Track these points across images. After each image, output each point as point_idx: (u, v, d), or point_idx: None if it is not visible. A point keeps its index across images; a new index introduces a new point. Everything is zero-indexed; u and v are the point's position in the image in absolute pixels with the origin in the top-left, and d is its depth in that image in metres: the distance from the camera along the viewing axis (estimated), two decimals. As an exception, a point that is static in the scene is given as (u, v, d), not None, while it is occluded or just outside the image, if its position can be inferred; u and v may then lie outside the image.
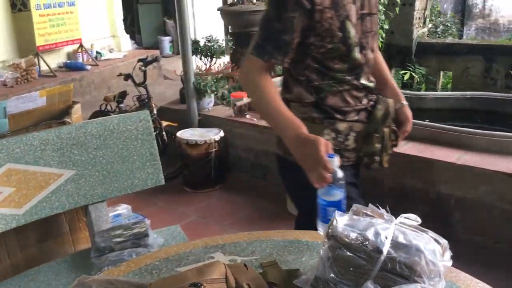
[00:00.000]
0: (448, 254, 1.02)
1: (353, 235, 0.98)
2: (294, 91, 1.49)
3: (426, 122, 3.17)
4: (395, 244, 0.96)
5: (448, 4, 8.88)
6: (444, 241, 1.02)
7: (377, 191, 2.97)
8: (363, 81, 1.49)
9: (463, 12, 9.44)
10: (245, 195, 3.44)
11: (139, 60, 3.72)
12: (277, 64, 1.41)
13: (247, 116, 3.60)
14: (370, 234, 0.97)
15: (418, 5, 4.31)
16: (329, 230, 1.01)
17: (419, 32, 4.39)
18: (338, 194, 1.22)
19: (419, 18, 4.38)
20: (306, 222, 1.39)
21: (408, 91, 4.11)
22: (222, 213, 3.23)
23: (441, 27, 5.53)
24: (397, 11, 4.03)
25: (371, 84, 1.53)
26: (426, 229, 1.05)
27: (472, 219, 2.63)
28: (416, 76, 4.28)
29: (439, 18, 5.67)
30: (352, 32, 1.40)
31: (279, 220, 3.06)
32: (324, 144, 1.25)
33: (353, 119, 1.50)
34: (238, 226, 3.02)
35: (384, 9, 4.06)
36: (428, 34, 4.93)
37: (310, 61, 1.43)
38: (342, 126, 1.49)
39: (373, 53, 1.53)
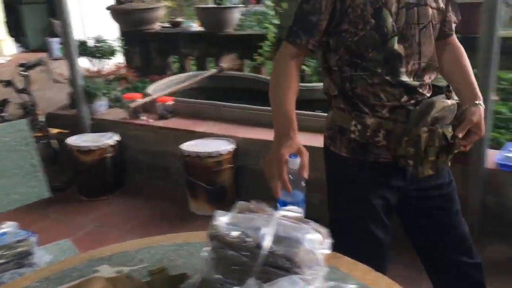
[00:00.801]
0: (328, 241, 1.05)
1: (234, 233, 0.98)
2: (325, 83, 1.50)
3: (321, 113, 3.28)
4: (276, 238, 0.97)
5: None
6: (324, 230, 1.06)
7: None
8: (404, 77, 1.37)
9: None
10: (145, 198, 3.36)
11: (20, 65, 3.47)
12: (302, 44, 1.36)
13: (142, 117, 3.50)
14: (251, 231, 0.98)
15: (305, 0, 4.44)
16: (212, 231, 1.00)
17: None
18: (297, 196, 1.22)
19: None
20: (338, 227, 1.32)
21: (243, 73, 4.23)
22: (122, 219, 3.13)
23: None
24: (285, 6, 4.12)
25: (415, 83, 1.39)
26: (309, 220, 1.08)
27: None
28: (308, 69, 4.41)
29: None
30: (389, 20, 1.33)
31: (181, 221, 3.02)
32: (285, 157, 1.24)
33: (384, 116, 1.40)
34: (140, 231, 2.94)
35: (273, 4, 4.14)
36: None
37: (343, 50, 1.39)
38: (369, 121, 1.41)
39: (431, 49, 1.42)
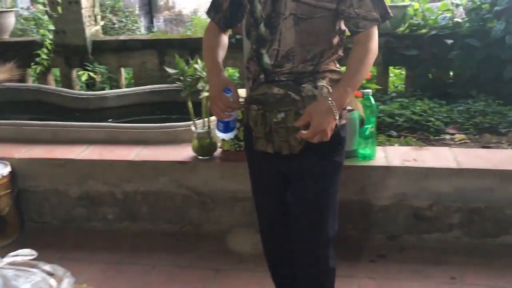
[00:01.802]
0: (69, 280, 0.96)
1: None
2: None
3: (105, 123, 3.15)
4: (-5, 293, 0.85)
5: (134, -2, 9.07)
6: (60, 271, 0.96)
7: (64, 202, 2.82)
8: (265, 58, 1.57)
9: (150, 5, 9.82)
10: None
11: None
12: (211, 18, 1.73)
13: None
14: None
15: (85, 3, 4.22)
16: None
17: (92, 30, 4.32)
18: (234, 114, 1.66)
19: (89, 16, 4.29)
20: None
21: (89, 92, 4.02)
22: None
23: (117, 23, 5.58)
24: (60, 10, 3.85)
25: (271, 66, 1.56)
26: (39, 262, 0.97)
27: (158, 210, 2.74)
28: (96, 76, 4.21)
29: (117, 15, 5.73)
30: (259, 7, 1.55)
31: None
32: (219, 92, 1.60)
33: (249, 86, 1.65)
34: None
35: (45, 9, 3.83)
36: (105, 31, 4.91)
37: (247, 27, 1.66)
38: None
39: (292, 39, 1.52)
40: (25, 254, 0.95)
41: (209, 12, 1.74)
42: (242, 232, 2.63)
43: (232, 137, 1.78)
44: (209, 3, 1.77)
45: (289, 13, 1.51)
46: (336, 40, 1.59)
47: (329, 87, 1.56)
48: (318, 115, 1.45)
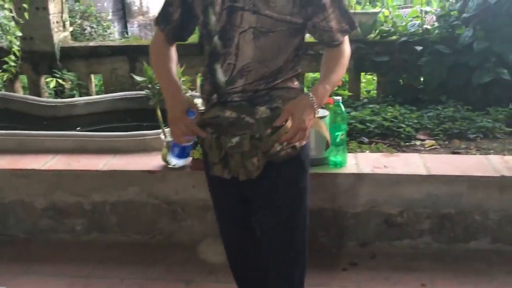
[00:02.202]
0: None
1: None
2: None
3: (72, 132, 3.08)
4: None
5: (108, 3, 8.95)
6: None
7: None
8: (218, 74, 1.46)
9: (124, 10, 9.70)
10: None
11: None
12: (161, 30, 1.59)
13: None
14: None
15: (53, 8, 4.13)
16: None
17: (60, 36, 4.22)
18: (188, 143, 1.60)
19: (57, 22, 4.20)
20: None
21: (58, 99, 3.93)
22: None
23: (88, 29, 5.49)
24: (27, 16, 3.76)
25: (224, 83, 1.46)
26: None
27: (128, 220, 2.68)
28: (65, 83, 4.12)
29: (88, 21, 5.63)
30: (213, 19, 1.45)
31: None
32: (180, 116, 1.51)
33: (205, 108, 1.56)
34: None
35: (12, 14, 3.72)
36: (73, 37, 4.81)
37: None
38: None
39: (250, 54, 1.43)
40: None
41: (158, 22, 1.61)
42: (214, 241, 2.59)
43: (185, 163, 1.75)
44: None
45: (248, 26, 1.42)
46: (295, 55, 1.51)
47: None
48: (299, 111, 1.41)
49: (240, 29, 1.43)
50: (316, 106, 1.43)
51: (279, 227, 1.58)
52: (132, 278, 2.40)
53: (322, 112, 2.50)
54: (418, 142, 2.99)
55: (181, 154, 1.62)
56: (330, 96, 3.41)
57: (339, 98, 2.45)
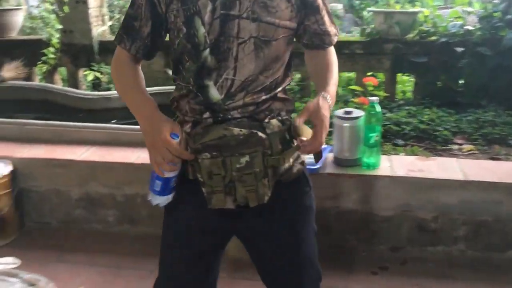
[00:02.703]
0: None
1: None
2: None
3: (106, 124, 3.12)
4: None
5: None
6: (43, 281, 0.93)
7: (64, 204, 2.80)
8: (212, 92, 1.29)
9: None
10: None
11: None
12: (126, 49, 1.36)
13: None
14: None
15: (93, 3, 4.21)
16: None
17: (99, 30, 4.30)
18: (172, 173, 1.32)
19: (97, 16, 4.28)
20: None
21: (94, 92, 4.01)
22: None
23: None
24: (67, 10, 3.84)
25: (221, 100, 1.28)
26: (21, 271, 0.94)
27: (157, 213, 2.69)
28: (102, 76, 4.20)
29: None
30: (201, 30, 1.27)
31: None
32: (167, 132, 1.28)
33: (187, 131, 1.32)
34: None
35: (53, 7, 3.81)
36: (112, 32, 4.89)
37: (172, 57, 1.37)
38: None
39: (251, 67, 1.28)
40: (8, 262, 0.91)
41: (121, 41, 1.37)
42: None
43: (169, 201, 1.36)
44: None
45: (249, 36, 1.26)
46: (289, 63, 1.39)
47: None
48: (322, 110, 1.29)
49: (238, 40, 1.27)
50: (331, 107, 1.35)
51: (292, 251, 1.43)
52: (160, 271, 2.42)
53: (357, 112, 2.47)
54: (455, 147, 2.90)
55: (165, 189, 1.33)
56: (365, 96, 3.38)
57: (376, 98, 2.40)
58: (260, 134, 1.27)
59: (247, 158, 1.27)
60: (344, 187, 2.47)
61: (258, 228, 1.40)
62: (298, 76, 4.27)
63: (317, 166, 2.39)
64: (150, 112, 1.34)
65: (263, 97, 1.31)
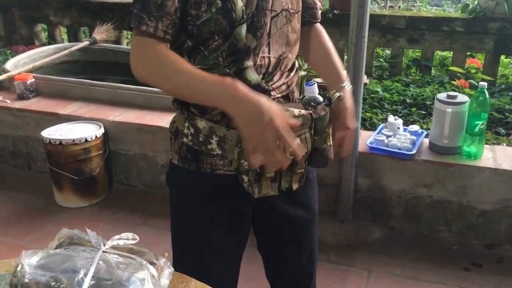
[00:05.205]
0: (169, 271, 0.92)
1: (43, 279, 0.80)
2: None
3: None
4: (97, 281, 0.81)
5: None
6: (162, 260, 0.92)
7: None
8: (249, 73, 1.13)
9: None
10: (6, 190, 2.99)
11: None
12: (150, 32, 1.06)
13: (-2, 98, 3.09)
14: (66, 275, 0.81)
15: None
16: (14, 278, 0.81)
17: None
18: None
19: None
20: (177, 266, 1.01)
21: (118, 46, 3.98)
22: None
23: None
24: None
25: (259, 81, 1.15)
26: (140, 249, 0.93)
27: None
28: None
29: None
30: (240, 3, 1.09)
31: (45, 215, 2.73)
32: (280, 114, 1.02)
33: (215, 119, 1.15)
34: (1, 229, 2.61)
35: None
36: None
37: (185, 38, 1.13)
38: (201, 124, 1.16)
39: (282, 42, 1.19)
40: (128, 238, 0.90)
41: (140, 22, 1.07)
42: (329, 219, 2.53)
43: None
44: None
45: (281, 9, 1.16)
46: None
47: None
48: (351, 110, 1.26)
49: (272, 13, 1.15)
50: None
51: (312, 227, 1.42)
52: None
53: (462, 97, 2.30)
54: None
55: None
56: (466, 79, 3.15)
57: (485, 84, 2.21)
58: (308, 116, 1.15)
59: (297, 140, 1.08)
60: (440, 175, 2.33)
61: (282, 213, 1.32)
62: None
63: (413, 151, 2.27)
64: (243, 89, 1.02)
65: (291, 75, 1.25)
